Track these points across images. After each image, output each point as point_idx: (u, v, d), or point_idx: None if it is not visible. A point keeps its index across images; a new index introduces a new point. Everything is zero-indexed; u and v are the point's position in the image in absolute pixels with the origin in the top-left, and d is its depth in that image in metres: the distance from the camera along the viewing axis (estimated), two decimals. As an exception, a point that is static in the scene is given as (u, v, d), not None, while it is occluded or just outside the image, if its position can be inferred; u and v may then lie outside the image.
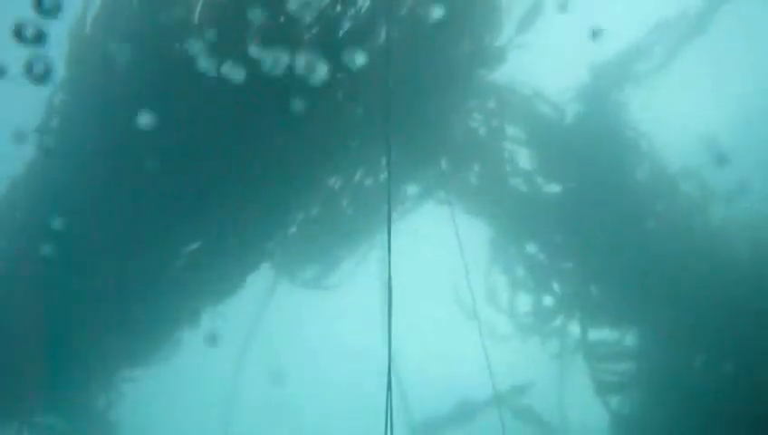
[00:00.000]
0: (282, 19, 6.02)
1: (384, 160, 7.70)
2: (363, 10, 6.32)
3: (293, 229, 7.41)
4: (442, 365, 11.12)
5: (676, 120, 10.01)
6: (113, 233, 5.90)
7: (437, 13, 7.35)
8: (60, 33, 6.09)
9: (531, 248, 9.25)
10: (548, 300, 9.34)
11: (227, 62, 6.07)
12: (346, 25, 6.32)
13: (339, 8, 6.14)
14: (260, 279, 7.19)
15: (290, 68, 6.31)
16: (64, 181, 5.92)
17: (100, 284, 5.85)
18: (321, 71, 6.48)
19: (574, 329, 9.37)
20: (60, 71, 5.93)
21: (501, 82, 8.34)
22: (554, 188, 9.09)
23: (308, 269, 8.02)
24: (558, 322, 9.41)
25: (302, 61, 6.27)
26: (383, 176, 7.88)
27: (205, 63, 6.01)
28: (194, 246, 6.27)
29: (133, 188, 6.01)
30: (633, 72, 8.89)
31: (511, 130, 8.72)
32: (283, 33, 6.06)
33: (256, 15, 5.91)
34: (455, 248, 8.45)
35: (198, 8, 5.89)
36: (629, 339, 9.48)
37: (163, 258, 6.09)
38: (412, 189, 8.31)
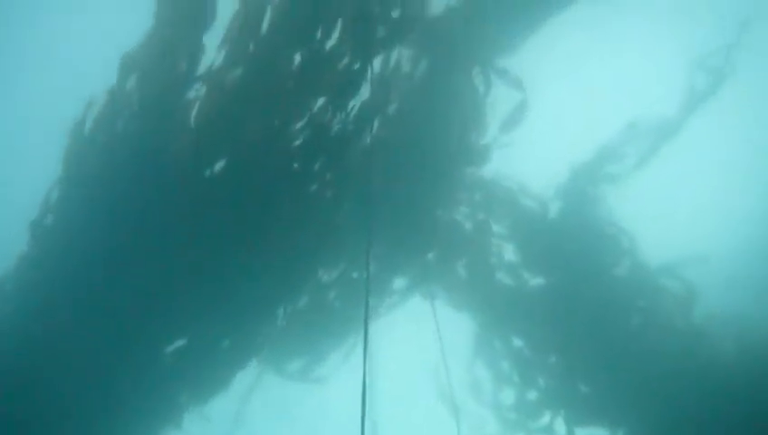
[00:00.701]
0: (276, 123, 6.28)
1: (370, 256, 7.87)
2: (353, 114, 6.60)
3: (281, 322, 7.46)
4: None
5: (658, 217, 10.27)
6: (101, 329, 5.94)
7: (426, 113, 7.69)
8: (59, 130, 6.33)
9: (516, 342, 9.31)
10: (533, 395, 9.33)
11: (220, 163, 6.30)
12: (336, 128, 6.58)
13: (329, 113, 6.42)
14: (246, 371, 7.16)
15: (281, 167, 6.55)
16: (55, 276, 6.00)
17: (84, 382, 5.83)
18: (311, 170, 6.74)
19: (561, 427, 9.32)
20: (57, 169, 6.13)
21: (486, 177, 8.62)
22: (539, 281, 9.23)
23: (294, 361, 8.04)
24: (545, 419, 9.37)
25: (293, 162, 6.53)
26: (370, 269, 8.02)
27: (198, 164, 6.23)
28: (180, 343, 6.29)
29: (123, 285, 6.09)
30: (612, 171, 9.19)
31: (496, 225, 8.94)
32: (276, 137, 6.31)
33: (251, 120, 6.17)
34: (440, 342, 8.50)
35: (194, 112, 6.14)
36: (618, 438, 9.42)
37: (148, 357, 6.09)
38: (399, 283, 8.42)
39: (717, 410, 9.04)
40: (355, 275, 7.70)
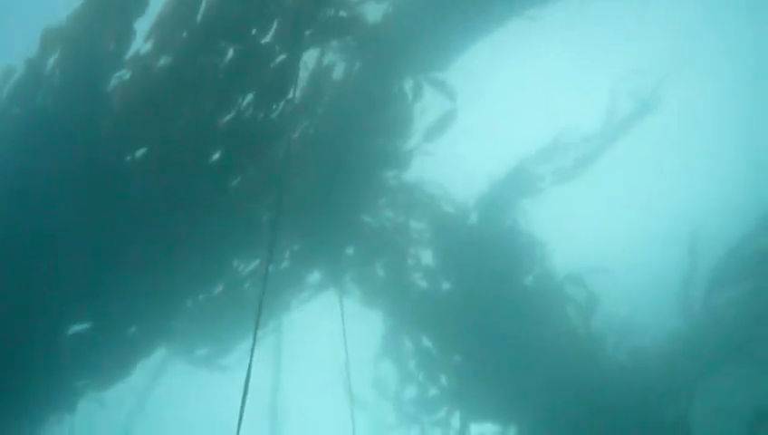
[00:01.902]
0: (202, 115, 6.22)
1: (287, 251, 7.94)
2: (280, 112, 6.60)
3: (193, 310, 7.45)
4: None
5: (572, 229, 10.69)
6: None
7: (353, 114, 7.74)
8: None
9: (425, 342, 9.55)
10: (434, 392, 9.63)
11: (141, 150, 6.21)
12: (262, 124, 6.57)
13: (257, 109, 6.40)
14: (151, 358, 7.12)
15: (203, 159, 6.51)
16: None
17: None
18: (234, 164, 6.72)
19: (456, 421, 9.66)
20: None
21: (410, 182, 8.75)
22: (452, 285, 9.47)
23: (202, 348, 8.04)
24: (441, 413, 9.70)
25: (216, 154, 6.50)
26: (285, 263, 8.09)
27: (118, 149, 6.12)
28: (83, 326, 6.19)
29: (26, 262, 5.95)
30: (532, 184, 9.47)
31: (416, 229, 9.11)
32: (201, 128, 6.25)
33: (176, 110, 6.09)
34: (350, 337, 8.63)
35: (118, 96, 6.01)
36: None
37: (46, 338, 5.97)
38: (314, 278, 8.50)
39: (604, 413, 9.56)
40: (271, 267, 7.71)
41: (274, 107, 6.60)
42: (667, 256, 10.65)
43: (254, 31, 6.27)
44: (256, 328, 5.45)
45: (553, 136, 9.17)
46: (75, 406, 6.34)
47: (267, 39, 6.37)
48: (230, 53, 6.26)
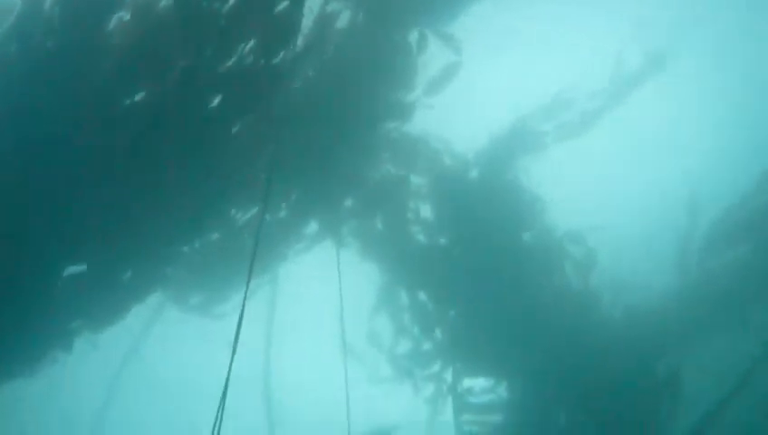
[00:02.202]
0: (202, 60, 6.10)
1: (285, 201, 7.90)
2: (277, 60, 6.48)
3: (188, 254, 7.44)
4: (316, 404, 11.25)
5: (574, 186, 10.63)
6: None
7: (356, 65, 7.60)
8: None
9: (421, 296, 9.56)
10: (428, 346, 9.68)
11: (140, 94, 6.11)
12: (263, 72, 6.45)
13: (253, 57, 6.28)
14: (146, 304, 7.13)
15: (202, 106, 6.41)
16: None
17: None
18: (233, 111, 6.62)
19: (449, 376, 9.75)
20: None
21: (413, 135, 8.65)
22: (451, 239, 9.44)
23: (197, 296, 8.06)
24: (435, 367, 9.77)
25: (215, 101, 6.40)
26: (283, 213, 8.05)
27: (116, 92, 6.02)
28: (79, 269, 6.18)
29: (24, 203, 5.91)
30: (535, 140, 9.36)
31: (416, 182, 9.05)
32: (201, 74, 6.14)
33: (176, 54, 5.98)
34: (346, 290, 8.63)
35: (118, 38, 5.88)
36: (501, 390, 9.95)
37: (42, 278, 5.95)
38: (311, 228, 8.46)
39: (598, 370, 9.64)
40: (267, 217, 7.67)
41: (276, 54, 6.46)
42: (666, 216, 10.63)
43: (257, -25, 6.11)
44: (249, 276, 5.43)
45: (557, 92, 9.05)
46: (71, 346, 6.37)
47: (271, -16, 6.21)
48: (232, -4, 6.11)
